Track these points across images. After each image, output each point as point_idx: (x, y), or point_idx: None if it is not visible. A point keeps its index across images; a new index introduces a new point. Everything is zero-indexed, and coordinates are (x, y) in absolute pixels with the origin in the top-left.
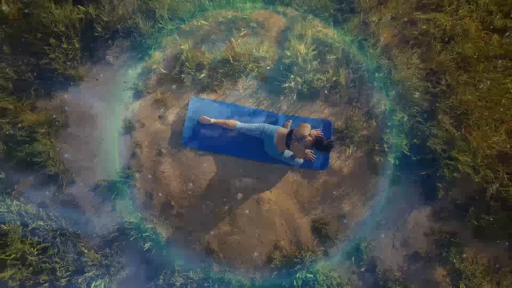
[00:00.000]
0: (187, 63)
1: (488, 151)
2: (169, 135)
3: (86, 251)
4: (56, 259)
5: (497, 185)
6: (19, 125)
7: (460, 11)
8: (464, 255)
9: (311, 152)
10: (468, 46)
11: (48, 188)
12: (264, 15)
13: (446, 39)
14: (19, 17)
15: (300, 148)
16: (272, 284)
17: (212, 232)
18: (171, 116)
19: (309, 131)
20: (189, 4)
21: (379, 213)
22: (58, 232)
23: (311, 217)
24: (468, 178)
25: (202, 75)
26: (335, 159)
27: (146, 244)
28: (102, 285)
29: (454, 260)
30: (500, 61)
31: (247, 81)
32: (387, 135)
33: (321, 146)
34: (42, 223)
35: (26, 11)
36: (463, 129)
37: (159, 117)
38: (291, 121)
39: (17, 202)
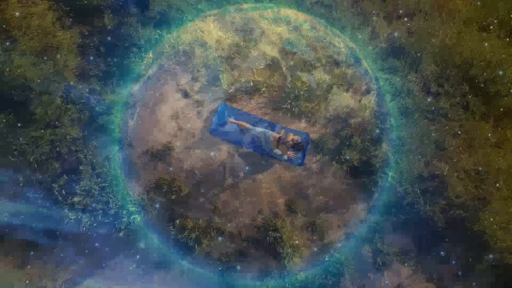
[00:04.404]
0: (221, 80)
1: (411, 173)
2: (202, 126)
3: (131, 193)
4: (110, 195)
5: (412, 196)
6: (102, 101)
7: (408, 76)
8: (384, 240)
9: (292, 153)
10: (410, 101)
11: (113, 147)
12: (276, 55)
13: (397, 93)
14: (115, 28)
15: (284, 148)
16: (253, 238)
17: (219, 195)
18: (205, 113)
19: (291, 137)
20: (229, 41)
21: (332, 201)
22: (114, 177)
23: (286, 196)
24: (394, 188)
25: (230, 90)
26: (309, 160)
27: (172, 196)
28: (138, 218)
29: (377, 242)
30: (429, 114)
31: (259, 99)
32: (345, 150)
33: (297, 147)
34: (105, 169)
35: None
36: (396, 155)
37: (197, 112)
38: (283, 130)
39: (91, 153)
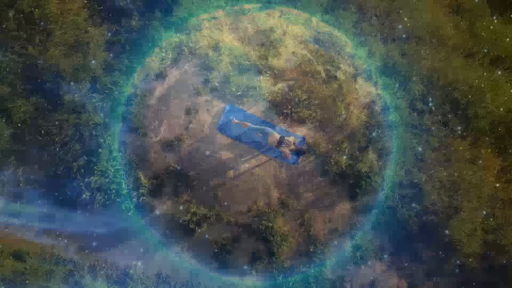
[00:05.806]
0: (231, 83)
1: (392, 179)
2: (211, 121)
3: (142, 177)
4: (123, 177)
5: (392, 200)
6: (123, 93)
7: (397, 93)
8: (364, 237)
9: (289, 153)
10: (397, 115)
11: (129, 134)
12: (283, 66)
13: (386, 108)
14: (140, 29)
15: (285, 150)
16: (247, 226)
17: (220, 185)
18: (215, 110)
19: (294, 141)
20: (241, 49)
21: (320, 199)
22: (128, 161)
23: (279, 191)
24: (377, 191)
25: (238, 93)
26: (303, 160)
27: (179, 182)
28: (147, 199)
29: (357, 238)
30: (413, 129)
31: (263, 103)
32: (336, 155)
33: (299, 151)
34: (120, 154)
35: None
36: (380, 162)
37: (207, 110)
38: (276, 126)
39: (110, 138)
